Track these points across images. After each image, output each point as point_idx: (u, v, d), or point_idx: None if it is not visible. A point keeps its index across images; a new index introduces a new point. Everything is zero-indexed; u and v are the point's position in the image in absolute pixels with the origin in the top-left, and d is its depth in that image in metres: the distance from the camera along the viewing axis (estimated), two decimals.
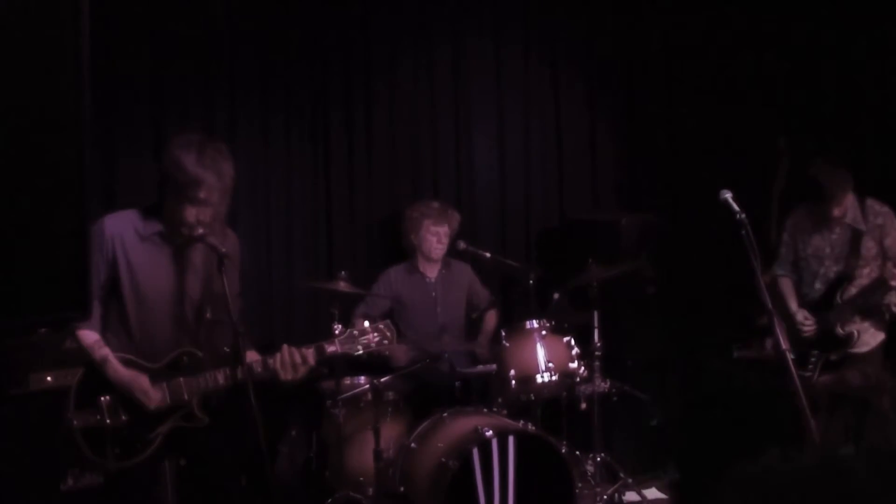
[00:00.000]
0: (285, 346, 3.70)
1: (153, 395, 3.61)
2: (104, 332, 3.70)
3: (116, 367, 3.60)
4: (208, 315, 3.79)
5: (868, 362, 5.05)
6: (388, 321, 3.98)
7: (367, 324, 3.90)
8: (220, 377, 3.64)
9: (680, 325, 6.31)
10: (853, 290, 5.03)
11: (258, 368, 3.67)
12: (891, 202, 5.14)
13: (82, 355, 3.63)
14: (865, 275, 5.05)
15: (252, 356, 3.69)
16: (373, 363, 5.03)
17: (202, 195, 3.58)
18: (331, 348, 3.79)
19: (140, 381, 3.61)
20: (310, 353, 3.72)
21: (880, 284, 4.91)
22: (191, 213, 3.61)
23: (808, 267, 5.23)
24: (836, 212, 5.04)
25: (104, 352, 3.61)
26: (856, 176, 5.08)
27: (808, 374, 5.01)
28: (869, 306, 5.01)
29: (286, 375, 3.68)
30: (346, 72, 5.89)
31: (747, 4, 6.47)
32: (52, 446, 3.64)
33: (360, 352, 3.87)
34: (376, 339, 3.87)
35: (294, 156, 5.75)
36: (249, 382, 3.51)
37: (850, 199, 5.06)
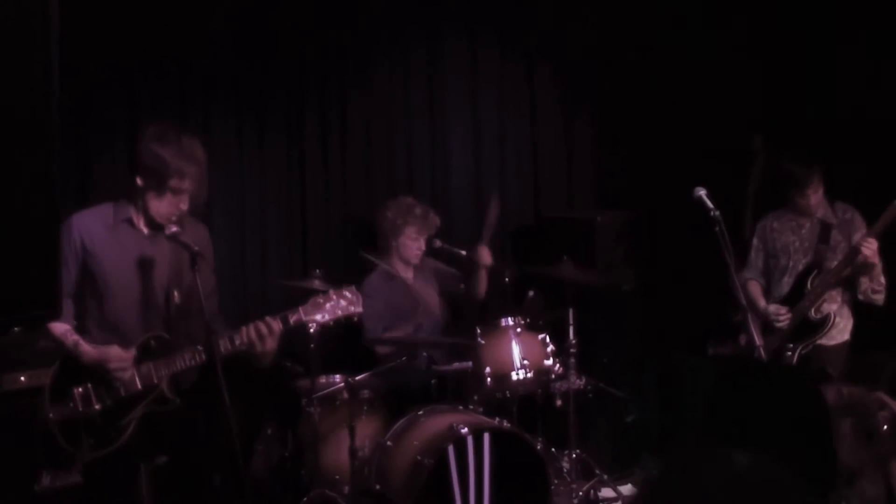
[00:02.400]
0: (251, 323, 3.73)
1: (126, 356, 3.64)
2: (81, 328, 3.75)
3: (86, 348, 3.64)
4: (176, 299, 3.82)
5: (835, 358, 5.06)
6: (354, 286, 3.98)
7: (331, 290, 3.91)
8: (188, 358, 3.68)
9: (655, 322, 6.34)
10: (824, 274, 5.02)
11: (227, 346, 3.69)
12: (861, 200, 5.19)
13: (57, 354, 3.65)
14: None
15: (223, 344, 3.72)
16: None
17: (185, 185, 3.71)
18: (294, 317, 3.82)
19: (111, 352, 3.64)
20: (275, 321, 3.76)
21: (852, 255, 4.87)
22: (172, 203, 3.73)
23: (778, 264, 5.26)
24: (813, 198, 5.10)
25: (75, 337, 3.67)
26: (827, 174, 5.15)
27: None
28: (841, 282, 5.01)
29: (256, 346, 3.71)
30: (320, 70, 5.88)
31: (721, 4, 6.51)
32: (27, 446, 3.63)
33: (327, 318, 3.87)
34: (342, 304, 3.88)
35: (268, 155, 5.73)
36: (223, 385, 3.53)
37: (821, 193, 5.13)
